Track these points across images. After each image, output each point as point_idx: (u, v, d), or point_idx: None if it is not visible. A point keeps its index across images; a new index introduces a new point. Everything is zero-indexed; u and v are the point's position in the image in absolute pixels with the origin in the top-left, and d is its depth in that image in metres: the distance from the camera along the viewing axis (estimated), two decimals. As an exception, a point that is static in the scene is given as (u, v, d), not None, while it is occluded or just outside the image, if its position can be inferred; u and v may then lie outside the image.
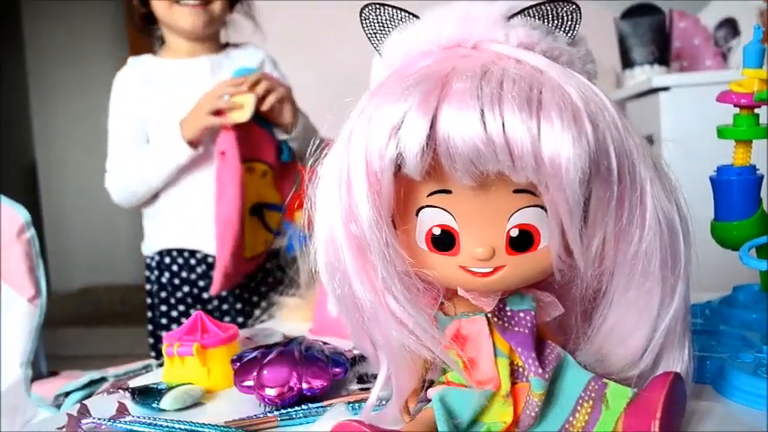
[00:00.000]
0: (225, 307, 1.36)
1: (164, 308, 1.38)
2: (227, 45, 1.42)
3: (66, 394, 0.94)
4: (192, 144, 1.25)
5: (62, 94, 4.31)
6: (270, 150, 1.30)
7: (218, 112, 1.22)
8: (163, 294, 1.37)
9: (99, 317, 3.97)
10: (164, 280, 1.37)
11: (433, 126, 0.43)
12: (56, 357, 1.85)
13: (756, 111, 0.68)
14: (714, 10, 1.82)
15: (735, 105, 0.68)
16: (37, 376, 1.18)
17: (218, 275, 1.22)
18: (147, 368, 0.82)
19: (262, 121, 1.28)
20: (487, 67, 0.45)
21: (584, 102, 0.44)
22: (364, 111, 0.47)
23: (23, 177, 4.31)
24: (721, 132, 0.69)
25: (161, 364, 0.81)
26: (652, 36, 1.66)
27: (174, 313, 1.37)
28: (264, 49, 1.44)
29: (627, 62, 1.70)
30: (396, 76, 0.48)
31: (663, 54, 1.67)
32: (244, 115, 1.22)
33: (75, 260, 4.34)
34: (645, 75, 1.61)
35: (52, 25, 4.18)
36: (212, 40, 1.38)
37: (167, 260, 1.37)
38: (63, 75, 4.28)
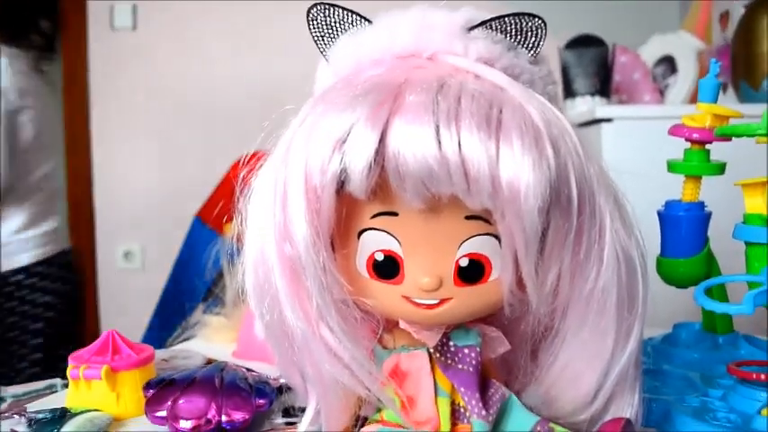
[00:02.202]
0: None
1: None
2: None
3: (-42, 415, 0.85)
4: None
5: None
6: None
7: None
8: None
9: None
10: None
11: (381, 141, 0.39)
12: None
13: (707, 146, 0.66)
14: (653, 47, 1.85)
15: (686, 140, 0.66)
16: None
17: None
18: (51, 389, 0.75)
19: None
20: (444, 80, 0.41)
21: (545, 124, 0.41)
22: (306, 119, 0.43)
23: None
24: (672, 167, 0.67)
25: (66, 385, 0.74)
26: (594, 68, 1.67)
27: None
28: None
29: (569, 92, 1.70)
30: (343, 84, 0.43)
31: (604, 86, 1.68)
32: None
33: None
34: (586, 105, 1.62)
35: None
36: None
37: None
38: None
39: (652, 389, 0.62)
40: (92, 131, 2.70)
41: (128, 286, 2.68)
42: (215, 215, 1.72)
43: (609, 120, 1.34)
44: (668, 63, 1.82)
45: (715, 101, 0.64)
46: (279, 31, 2.48)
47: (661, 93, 1.81)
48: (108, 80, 2.68)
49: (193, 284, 1.41)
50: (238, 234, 0.48)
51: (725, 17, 1.76)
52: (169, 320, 1.55)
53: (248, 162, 0.48)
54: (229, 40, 2.62)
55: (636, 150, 1.27)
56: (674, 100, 1.74)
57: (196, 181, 2.27)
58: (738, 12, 1.58)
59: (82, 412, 0.59)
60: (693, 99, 1.71)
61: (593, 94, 1.67)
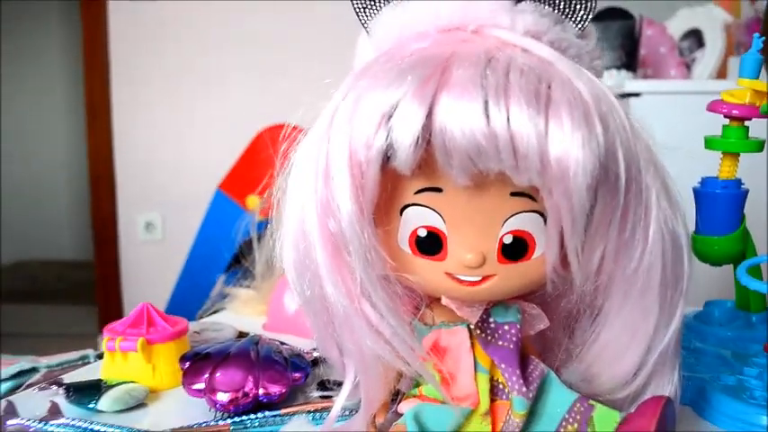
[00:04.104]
0: None
1: None
2: None
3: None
4: None
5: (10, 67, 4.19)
6: None
7: None
8: None
9: (33, 293, 3.82)
10: None
11: (429, 116, 0.38)
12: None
13: (746, 123, 0.65)
14: (680, 20, 1.82)
15: (725, 116, 0.65)
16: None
17: None
18: (83, 359, 0.76)
19: None
20: (492, 54, 0.40)
21: (594, 100, 0.40)
22: (349, 93, 0.42)
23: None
24: (709, 143, 0.66)
25: (99, 356, 0.75)
26: (621, 41, 1.64)
27: None
28: None
29: (594, 65, 1.68)
30: (386, 58, 0.43)
31: (630, 60, 1.66)
32: None
33: (7, 232, 4.17)
34: (612, 80, 1.60)
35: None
36: None
37: None
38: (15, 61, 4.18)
39: (686, 366, 0.61)
40: (112, 101, 2.70)
41: (149, 257, 2.70)
42: (238, 188, 1.73)
43: (637, 94, 1.32)
44: (695, 37, 1.79)
45: (757, 77, 0.63)
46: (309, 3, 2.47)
47: (687, 67, 1.78)
48: (128, 50, 2.68)
49: (214, 258, 1.41)
50: (274, 208, 0.47)
51: (755, -11, 1.73)
52: (191, 294, 1.56)
53: (287, 136, 0.48)
54: (254, 10, 2.59)
55: (664, 125, 1.25)
56: (700, 75, 1.71)
57: (218, 152, 2.27)
58: (770, -16, 1.54)
59: (118, 384, 0.60)
60: (720, 74, 1.69)
61: (618, 68, 1.64)
